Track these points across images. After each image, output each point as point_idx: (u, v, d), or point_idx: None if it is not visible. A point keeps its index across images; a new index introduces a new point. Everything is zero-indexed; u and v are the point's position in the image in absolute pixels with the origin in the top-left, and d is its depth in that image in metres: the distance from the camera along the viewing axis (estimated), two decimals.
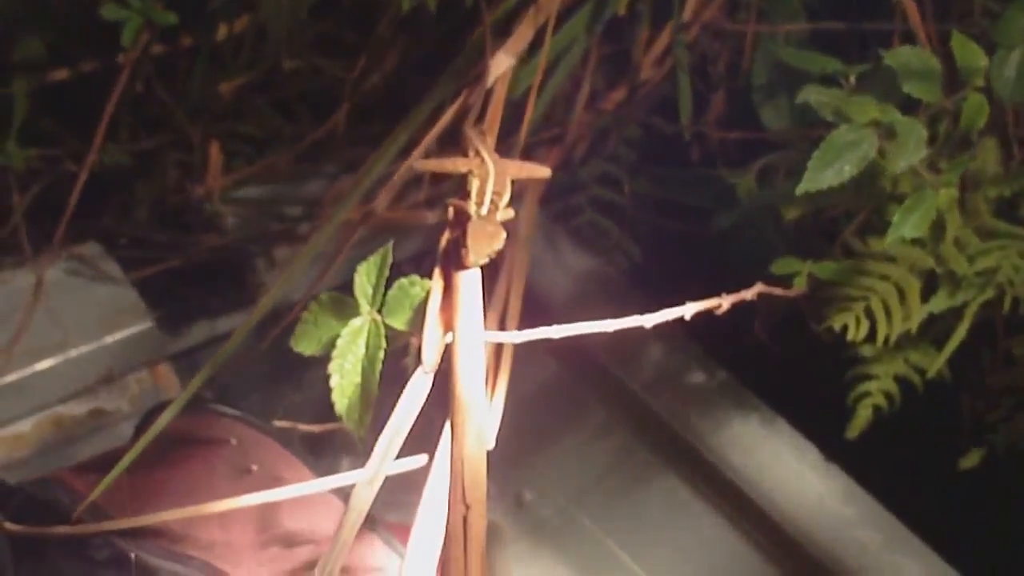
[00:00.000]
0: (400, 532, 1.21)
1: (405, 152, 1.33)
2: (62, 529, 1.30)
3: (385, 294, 1.04)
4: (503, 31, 1.35)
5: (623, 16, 1.51)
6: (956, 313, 1.33)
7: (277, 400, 1.72)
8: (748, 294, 1.22)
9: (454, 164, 1.13)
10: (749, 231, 1.44)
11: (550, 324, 1.07)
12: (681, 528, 1.55)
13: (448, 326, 1.02)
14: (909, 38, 1.37)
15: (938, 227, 1.29)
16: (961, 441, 1.43)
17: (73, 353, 1.57)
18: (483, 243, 1.03)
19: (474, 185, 1.09)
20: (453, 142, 1.27)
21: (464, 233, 1.04)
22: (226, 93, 1.66)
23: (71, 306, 1.59)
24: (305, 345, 1.05)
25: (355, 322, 1.04)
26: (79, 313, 1.59)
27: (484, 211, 1.06)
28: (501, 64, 1.26)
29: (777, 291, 1.27)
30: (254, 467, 1.47)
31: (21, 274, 1.59)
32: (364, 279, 1.04)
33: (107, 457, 1.46)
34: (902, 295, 1.32)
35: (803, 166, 1.24)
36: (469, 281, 1.04)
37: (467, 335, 1.01)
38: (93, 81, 1.59)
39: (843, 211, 1.37)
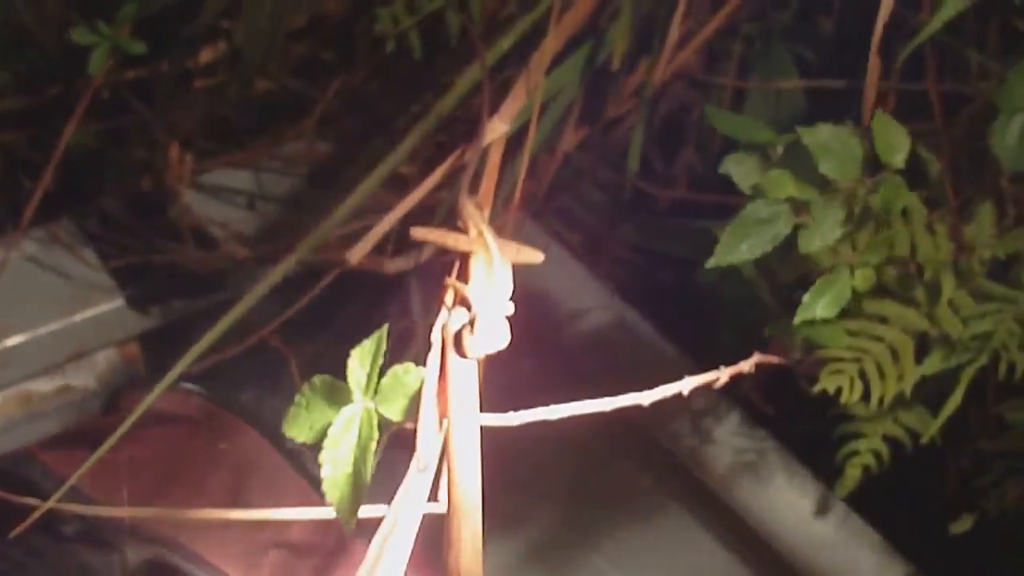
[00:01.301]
0: None
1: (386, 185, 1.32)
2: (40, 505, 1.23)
3: (379, 380, 0.98)
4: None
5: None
6: (949, 375, 1.27)
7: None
8: (746, 366, 1.18)
9: (455, 241, 1.06)
10: (736, 285, 1.37)
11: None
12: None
13: (444, 416, 0.96)
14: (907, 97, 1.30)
15: (933, 289, 1.25)
16: (950, 504, 1.37)
17: (42, 330, 1.55)
18: (488, 338, 0.97)
19: (477, 272, 1.02)
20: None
21: (469, 325, 0.98)
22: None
23: (41, 283, 1.57)
24: (297, 431, 1.00)
25: (347, 410, 0.98)
26: (48, 290, 1.57)
27: (490, 303, 0.99)
28: (496, 130, 1.20)
29: (774, 360, 1.21)
30: (223, 445, 1.50)
31: None
32: (357, 365, 0.98)
33: (76, 433, 1.53)
34: (895, 357, 1.27)
35: None
36: (466, 371, 0.97)
37: (463, 432, 0.95)
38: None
39: None
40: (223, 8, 1.52)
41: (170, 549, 1.44)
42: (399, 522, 0.95)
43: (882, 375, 1.26)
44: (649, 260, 1.57)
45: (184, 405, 1.50)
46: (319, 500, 1.49)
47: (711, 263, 1.16)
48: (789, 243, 1.24)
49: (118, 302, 1.62)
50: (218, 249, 1.67)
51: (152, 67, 1.61)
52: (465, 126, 1.44)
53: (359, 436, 0.97)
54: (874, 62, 1.23)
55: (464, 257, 1.04)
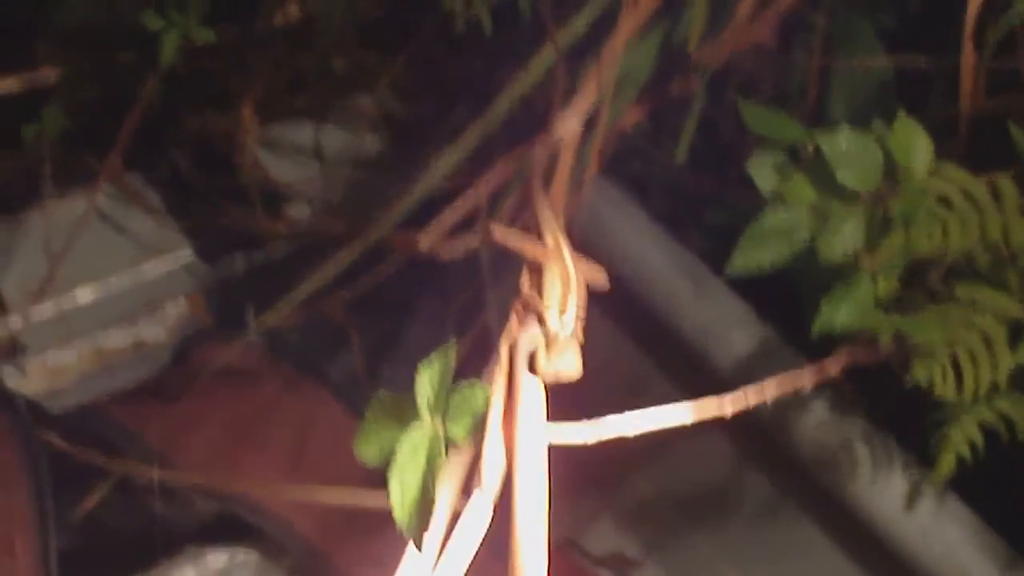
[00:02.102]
0: None
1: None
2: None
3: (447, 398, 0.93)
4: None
5: None
6: None
7: None
8: (833, 367, 1.11)
9: (532, 250, 1.00)
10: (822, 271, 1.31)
11: None
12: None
13: (509, 440, 0.91)
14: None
15: None
16: None
17: (113, 283, 1.55)
18: (563, 364, 0.92)
19: (553, 288, 0.96)
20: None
21: (545, 346, 0.93)
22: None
23: (111, 237, 1.57)
24: (367, 452, 0.95)
25: (415, 431, 0.93)
26: (119, 244, 1.57)
27: (565, 325, 0.93)
28: (569, 126, 1.14)
29: (862, 356, 1.15)
30: (285, 398, 1.51)
31: (63, 205, 1.56)
32: (426, 383, 0.93)
33: (146, 387, 1.53)
34: (988, 344, 1.20)
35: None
36: (534, 391, 0.92)
37: (529, 453, 0.90)
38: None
39: None
40: None
41: (237, 502, 1.44)
42: (461, 545, 0.91)
43: (975, 364, 1.20)
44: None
45: (249, 358, 1.51)
46: None
47: (730, 268, 1.13)
48: (876, 232, 1.19)
49: (187, 255, 1.61)
50: (284, 205, 1.66)
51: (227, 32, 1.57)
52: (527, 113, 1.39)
53: (427, 458, 0.92)
54: (968, 50, 1.16)
55: (536, 264, 0.98)
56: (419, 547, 0.92)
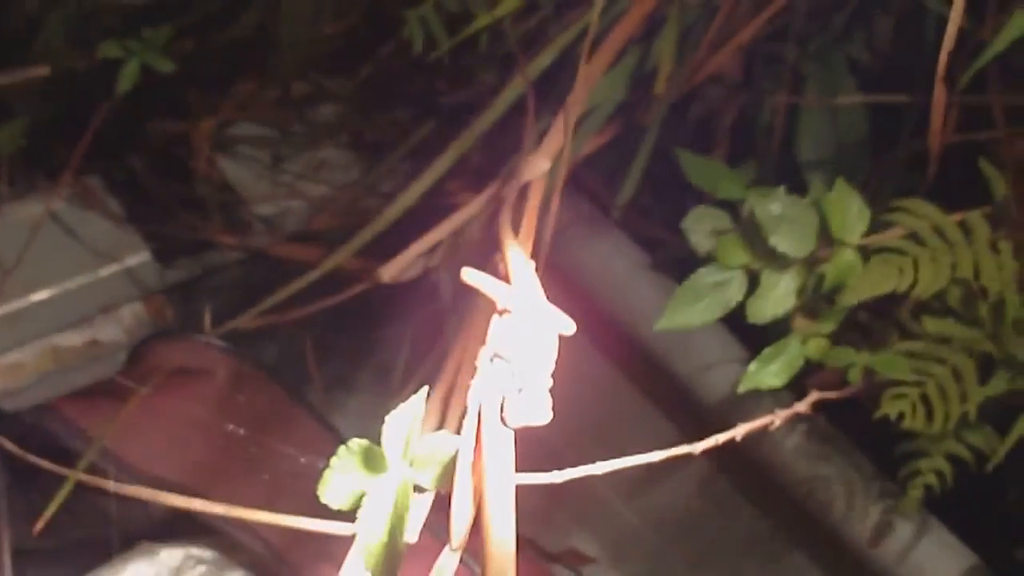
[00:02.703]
0: None
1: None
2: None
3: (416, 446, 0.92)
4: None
5: None
6: (1016, 395, 1.20)
7: None
8: (802, 406, 1.10)
9: (505, 297, 0.99)
10: None
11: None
12: None
13: (479, 490, 0.89)
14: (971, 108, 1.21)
15: (997, 309, 1.18)
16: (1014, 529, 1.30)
17: (70, 284, 1.54)
18: (532, 411, 0.90)
19: (522, 335, 0.95)
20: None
21: (513, 392, 0.91)
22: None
23: (69, 238, 1.55)
24: (332, 497, 0.93)
25: (383, 479, 0.92)
26: (77, 245, 1.55)
27: (535, 373, 0.92)
28: (537, 167, 1.13)
29: (832, 395, 1.14)
30: (240, 398, 1.47)
31: (21, 206, 1.56)
32: (395, 432, 0.92)
33: (99, 386, 1.49)
34: (958, 378, 1.19)
35: None
36: (502, 438, 0.91)
37: (498, 501, 0.89)
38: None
39: None
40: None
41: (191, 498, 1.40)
42: None
43: (945, 398, 1.19)
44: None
45: (205, 359, 1.48)
46: (334, 451, 1.48)
47: (659, 326, 1.13)
48: (809, 295, 1.18)
49: (144, 256, 1.59)
50: (241, 208, 1.66)
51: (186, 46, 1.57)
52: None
53: (395, 506, 0.91)
54: (940, 90, 1.15)
55: (506, 310, 0.97)
56: None
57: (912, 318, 1.22)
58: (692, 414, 1.24)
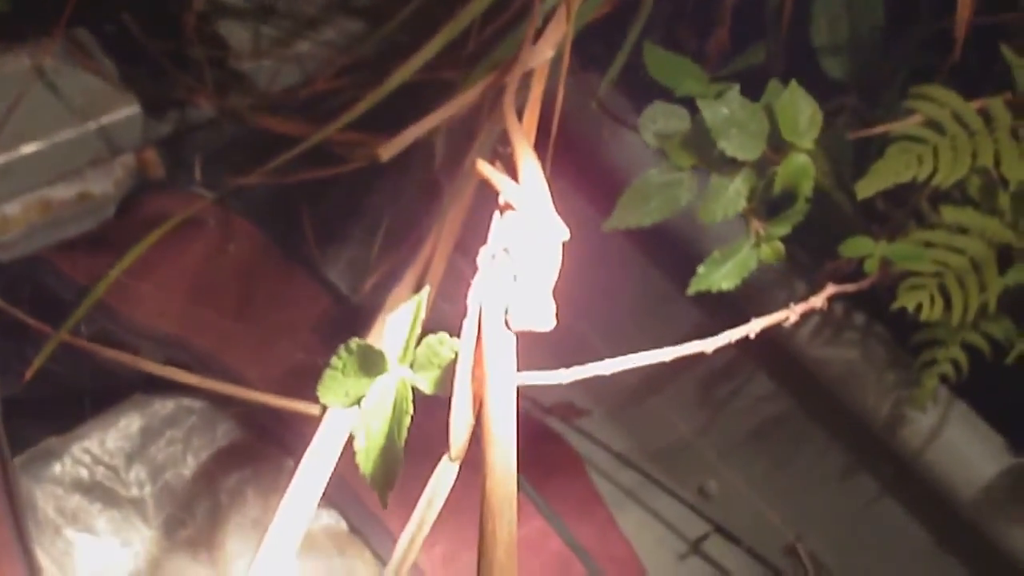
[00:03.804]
0: None
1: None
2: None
3: (415, 348, 0.88)
4: None
5: None
6: None
7: None
8: (817, 300, 1.06)
9: (513, 193, 0.94)
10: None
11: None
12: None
13: (479, 396, 0.85)
14: None
15: (1017, 198, 1.14)
16: None
17: (60, 137, 1.50)
18: (536, 315, 0.85)
19: (526, 234, 0.90)
20: None
21: (519, 301, 0.86)
22: None
23: (59, 92, 1.52)
24: (331, 397, 0.90)
25: (382, 381, 0.88)
26: (66, 98, 1.52)
27: (539, 274, 0.87)
28: (540, 55, 1.08)
29: (849, 288, 1.10)
30: (230, 247, 1.49)
31: (11, 59, 1.52)
32: (394, 333, 0.88)
33: (91, 237, 1.51)
34: (977, 269, 1.16)
35: (870, 116, 1.14)
36: (504, 341, 0.86)
37: (500, 404, 0.84)
38: None
39: None
40: None
41: (184, 351, 1.43)
42: (429, 510, 0.86)
43: (963, 288, 1.16)
44: None
45: (194, 208, 1.48)
46: (327, 302, 1.47)
47: (607, 225, 1.11)
48: (860, 161, 1.13)
49: (134, 110, 1.55)
50: (234, 61, 1.62)
51: None
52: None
53: (393, 408, 0.88)
54: None
55: (509, 207, 0.92)
56: (384, 502, 0.88)
57: (930, 207, 1.18)
58: (712, 300, 1.20)
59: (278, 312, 1.49)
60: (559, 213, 0.92)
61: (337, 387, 0.90)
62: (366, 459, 0.89)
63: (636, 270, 1.49)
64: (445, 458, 0.85)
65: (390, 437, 0.88)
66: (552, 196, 0.96)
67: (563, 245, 0.90)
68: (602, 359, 1.42)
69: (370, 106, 1.29)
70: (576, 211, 1.14)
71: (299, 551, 0.94)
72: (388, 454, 0.88)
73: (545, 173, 0.97)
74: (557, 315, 0.86)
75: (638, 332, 1.53)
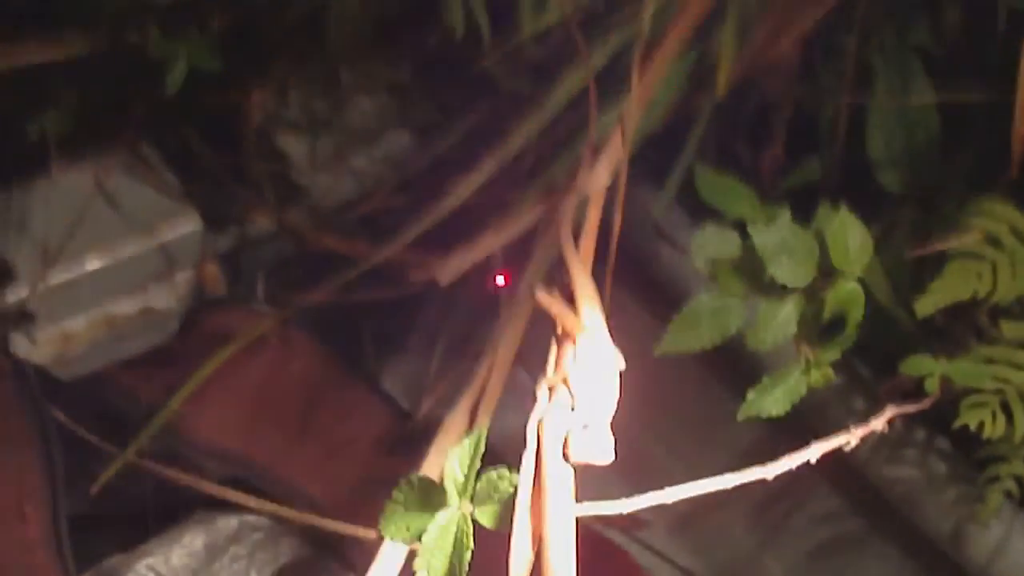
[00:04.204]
0: None
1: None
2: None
3: (476, 483, 0.87)
4: None
5: None
6: None
7: None
8: (878, 423, 1.05)
9: (571, 324, 0.94)
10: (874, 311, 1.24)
11: None
12: None
13: (538, 529, 0.85)
14: None
15: None
16: None
17: (123, 252, 1.52)
18: (595, 449, 0.86)
19: (586, 369, 0.90)
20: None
21: (577, 433, 0.86)
22: None
23: (122, 205, 1.54)
24: (393, 531, 0.90)
25: (443, 515, 0.88)
26: (130, 212, 1.54)
27: (599, 409, 0.87)
28: (597, 180, 1.08)
29: (911, 408, 1.09)
30: (294, 365, 1.49)
31: (75, 175, 1.54)
32: (455, 466, 0.88)
33: (154, 353, 1.52)
34: None
35: (928, 229, 1.12)
36: (563, 473, 0.86)
37: (559, 537, 0.84)
38: None
39: None
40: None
41: (247, 467, 1.44)
42: None
43: None
44: None
45: (257, 326, 1.48)
46: (387, 418, 1.47)
47: (659, 350, 1.09)
48: (918, 275, 1.12)
49: (196, 225, 1.57)
50: (293, 174, 1.64)
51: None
52: None
53: (454, 544, 0.87)
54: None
55: (567, 337, 0.92)
56: None
57: (990, 322, 1.16)
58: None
59: (339, 428, 1.49)
60: (619, 324, 0.93)
61: (399, 521, 0.90)
62: None
63: (697, 382, 1.48)
64: None
65: (451, 572, 0.88)
66: (611, 308, 0.96)
67: (625, 356, 0.90)
68: (664, 471, 1.42)
69: (427, 227, 1.30)
70: (637, 322, 1.15)
71: None
72: None
73: (603, 298, 0.97)
74: (626, 432, 0.85)
75: (700, 444, 1.52)
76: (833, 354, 1.09)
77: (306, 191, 1.64)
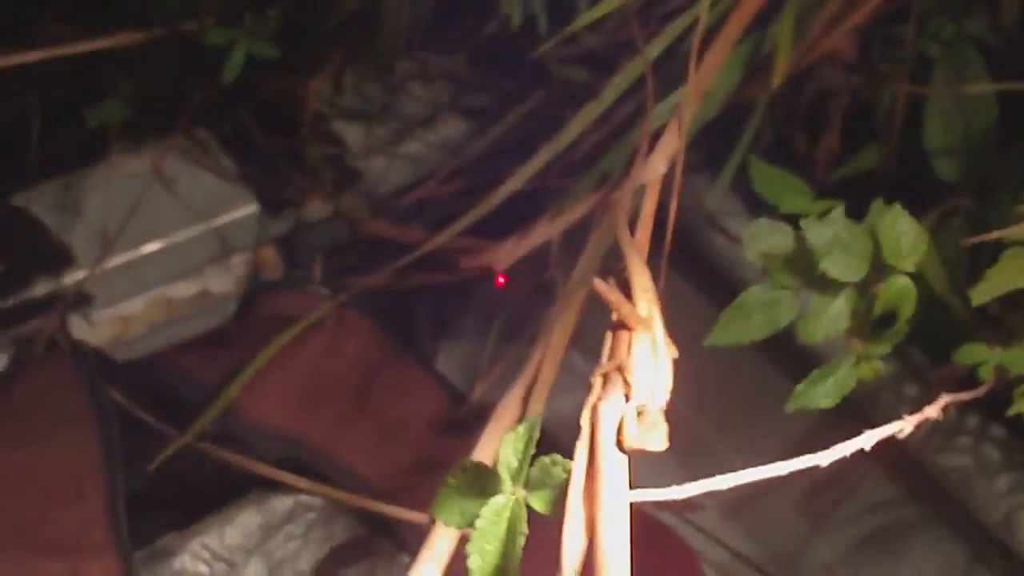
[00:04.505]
0: None
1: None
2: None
3: (530, 469, 0.87)
4: None
5: None
6: None
7: None
8: (932, 411, 1.04)
9: (627, 314, 0.94)
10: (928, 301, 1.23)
11: None
12: None
13: (591, 515, 0.85)
14: None
15: None
16: None
17: (180, 235, 1.53)
18: (650, 436, 0.85)
19: (642, 358, 0.90)
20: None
21: (633, 420, 0.86)
22: None
23: (180, 189, 1.55)
24: (447, 516, 0.90)
25: (497, 500, 0.88)
26: (187, 196, 1.55)
27: (654, 396, 0.87)
28: (653, 170, 1.08)
29: (965, 396, 1.08)
30: (350, 348, 1.48)
31: (133, 160, 1.55)
32: (509, 452, 0.88)
33: (211, 335, 1.53)
34: None
35: (984, 218, 1.10)
36: (617, 462, 0.86)
37: (613, 528, 0.84)
38: None
39: None
40: None
41: (302, 448, 1.43)
42: None
43: None
44: None
45: (314, 309, 1.46)
46: (442, 400, 1.47)
47: (708, 341, 1.08)
48: (974, 264, 1.12)
49: (253, 208, 1.58)
50: (349, 158, 1.65)
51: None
52: None
53: (507, 529, 0.87)
54: None
55: (621, 325, 0.92)
56: None
57: None
58: None
59: (394, 409, 1.49)
60: (675, 312, 0.93)
61: (452, 506, 0.90)
62: None
63: (752, 370, 1.48)
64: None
65: (504, 558, 0.88)
66: (667, 297, 0.96)
67: (680, 343, 0.90)
68: (718, 456, 1.42)
69: (481, 215, 1.30)
70: (693, 310, 1.15)
71: None
72: (503, 574, 0.88)
73: (658, 286, 0.97)
74: (681, 418, 0.85)
75: (753, 430, 1.52)
76: (884, 348, 1.09)
77: (361, 176, 1.64)
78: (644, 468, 0.90)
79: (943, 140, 1.31)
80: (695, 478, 0.90)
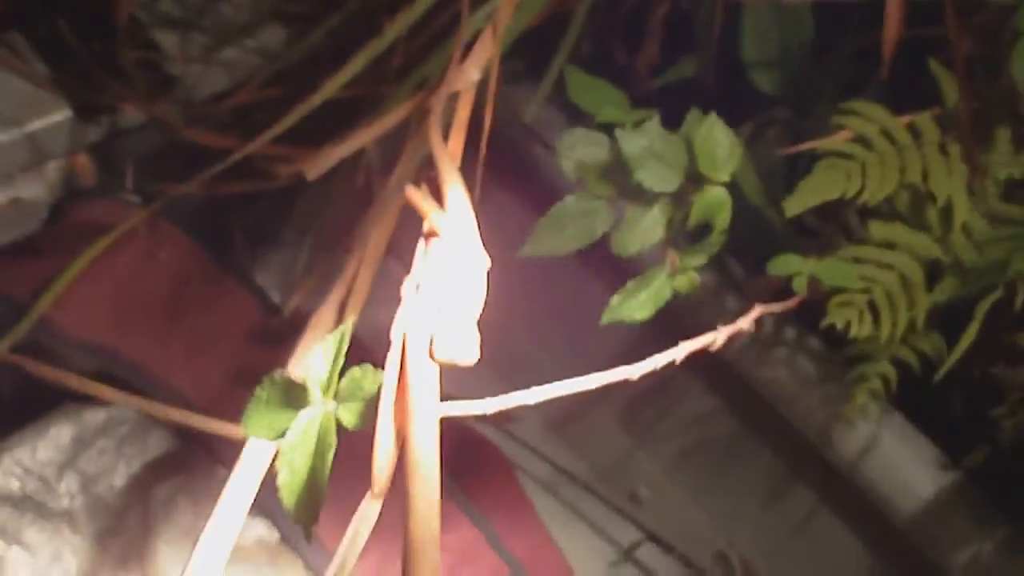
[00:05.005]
0: None
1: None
2: None
3: (339, 381, 0.86)
4: None
5: None
6: (964, 301, 1.15)
7: None
8: (745, 322, 1.04)
9: (439, 221, 0.92)
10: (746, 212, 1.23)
11: None
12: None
13: (403, 428, 0.83)
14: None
15: (945, 213, 1.13)
16: (960, 436, 1.25)
17: None
18: (460, 348, 0.83)
19: (452, 266, 0.88)
20: None
21: (442, 332, 0.84)
22: None
23: None
24: (256, 430, 0.88)
25: (305, 414, 0.86)
26: None
27: (464, 307, 0.85)
28: (467, 77, 1.06)
29: (776, 308, 1.08)
30: (161, 254, 1.45)
31: None
32: (319, 363, 0.86)
33: (21, 244, 1.47)
34: (906, 285, 1.14)
35: (800, 130, 1.12)
36: (428, 373, 0.84)
37: (423, 436, 0.82)
38: None
39: None
40: None
41: (113, 359, 1.40)
42: (352, 546, 0.84)
43: (892, 305, 1.15)
44: None
45: (124, 216, 1.45)
46: (257, 312, 1.45)
47: (523, 252, 1.08)
48: (790, 176, 1.12)
49: (66, 114, 1.52)
50: (160, 71, 1.60)
51: None
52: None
53: (317, 442, 0.86)
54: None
55: (433, 234, 0.90)
56: (308, 536, 0.86)
57: (860, 222, 1.17)
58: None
59: (208, 320, 1.46)
60: (495, 221, 0.91)
61: (261, 419, 0.88)
62: (289, 493, 0.87)
63: (573, 280, 1.47)
64: (368, 496, 0.83)
65: (313, 471, 0.86)
66: (489, 207, 0.94)
67: (501, 253, 0.89)
68: (537, 369, 1.41)
69: (296, 120, 1.27)
70: (513, 220, 1.13)
71: (230, 562, 0.92)
72: (312, 488, 0.86)
73: (474, 195, 0.96)
74: (500, 329, 0.84)
75: (573, 343, 1.52)
76: (699, 259, 1.09)
77: (178, 82, 1.60)
78: (462, 380, 0.88)
79: (760, 52, 1.30)
80: (512, 391, 0.89)
